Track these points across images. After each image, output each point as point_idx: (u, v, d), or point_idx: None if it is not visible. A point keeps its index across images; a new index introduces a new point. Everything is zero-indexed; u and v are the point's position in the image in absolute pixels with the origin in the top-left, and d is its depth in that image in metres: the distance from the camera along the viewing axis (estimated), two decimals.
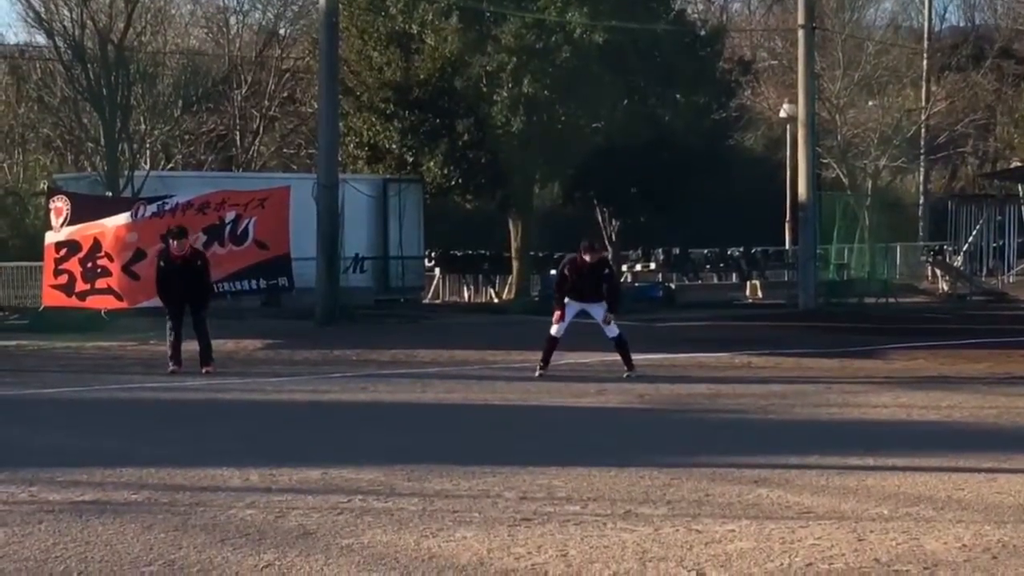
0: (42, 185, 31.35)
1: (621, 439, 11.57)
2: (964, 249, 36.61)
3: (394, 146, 29.26)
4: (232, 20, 45.13)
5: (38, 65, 35.15)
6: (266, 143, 41.92)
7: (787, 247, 38.25)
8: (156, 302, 17.50)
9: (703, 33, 31.83)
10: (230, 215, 20.48)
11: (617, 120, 27.88)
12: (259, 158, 41.18)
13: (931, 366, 17.76)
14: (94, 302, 20.70)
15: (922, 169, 46.82)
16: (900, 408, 13.37)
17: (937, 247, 38.56)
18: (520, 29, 27.30)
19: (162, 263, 17.05)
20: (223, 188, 22.22)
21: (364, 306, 25.91)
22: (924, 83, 44.97)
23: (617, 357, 16.26)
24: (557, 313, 16.15)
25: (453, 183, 29.44)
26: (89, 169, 29.09)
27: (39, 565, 6.78)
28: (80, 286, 20.36)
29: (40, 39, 33.39)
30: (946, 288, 34.48)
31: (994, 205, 38.14)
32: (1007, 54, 48.99)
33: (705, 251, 36.53)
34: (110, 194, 25.25)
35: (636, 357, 16.30)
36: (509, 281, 31.52)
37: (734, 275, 36.13)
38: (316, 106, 28.80)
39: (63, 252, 20.45)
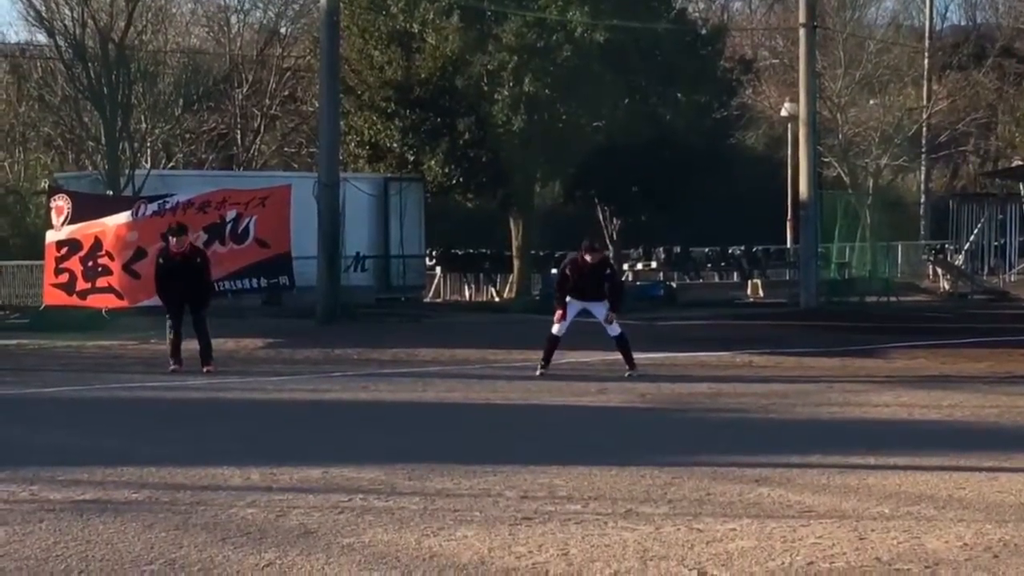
0: (43, 184, 31.33)
1: (622, 438, 11.57)
2: (965, 248, 36.61)
3: (395, 145, 29.26)
4: (233, 19, 45.22)
5: (39, 64, 35.17)
6: (267, 142, 41.93)
7: (788, 246, 38.24)
8: (157, 301, 17.51)
9: (704, 32, 31.85)
10: (231, 214, 20.46)
11: (618, 119, 27.87)
12: (260, 157, 41.20)
13: (932, 365, 17.75)
14: (95, 301, 20.69)
15: (923, 168, 46.83)
16: (901, 407, 13.37)
17: (938, 246, 38.57)
18: (521, 28, 27.30)
19: (161, 260, 17.04)
20: (224, 187, 22.21)
21: (365, 305, 25.90)
22: (925, 82, 44.97)
23: (618, 356, 16.26)
24: (558, 312, 16.17)
25: (454, 182, 29.44)
26: (90, 168, 29.06)
27: (40, 564, 6.77)
28: (81, 285, 20.35)
29: (41, 38, 33.47)
30: (947, 287, 34.48)
31: (995, 204, 38.14)
32: (1008, 53, 48.98)
33: (706, 250, 36.52)
34: (111, 193, 25.25)
35: (637, 356, 16.30)
36: (510, 280, 31.53)
37: (735, 274, 36.13)
38: (317, 105, 28.78)
39: (64, 251, 20.44)
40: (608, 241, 31.24)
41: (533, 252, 31.64)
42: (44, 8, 29.11)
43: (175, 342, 16.64)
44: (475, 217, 35.04)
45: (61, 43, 28.32)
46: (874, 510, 8.05)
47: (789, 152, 39.74)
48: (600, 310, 16.15)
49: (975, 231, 36.68)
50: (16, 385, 15.30)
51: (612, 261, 21.17)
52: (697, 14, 39.44)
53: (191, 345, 16.68)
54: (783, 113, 40.86)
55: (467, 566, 6.72)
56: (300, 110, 41.28)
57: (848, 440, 11.07)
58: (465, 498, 8.41)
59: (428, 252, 31.30)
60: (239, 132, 40.90)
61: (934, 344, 20.20)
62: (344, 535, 7.36)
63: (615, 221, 32.07)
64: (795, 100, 33.51)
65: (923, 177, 47.16)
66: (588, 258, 16.05)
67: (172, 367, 16.44)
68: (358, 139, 29.87)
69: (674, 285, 32.85)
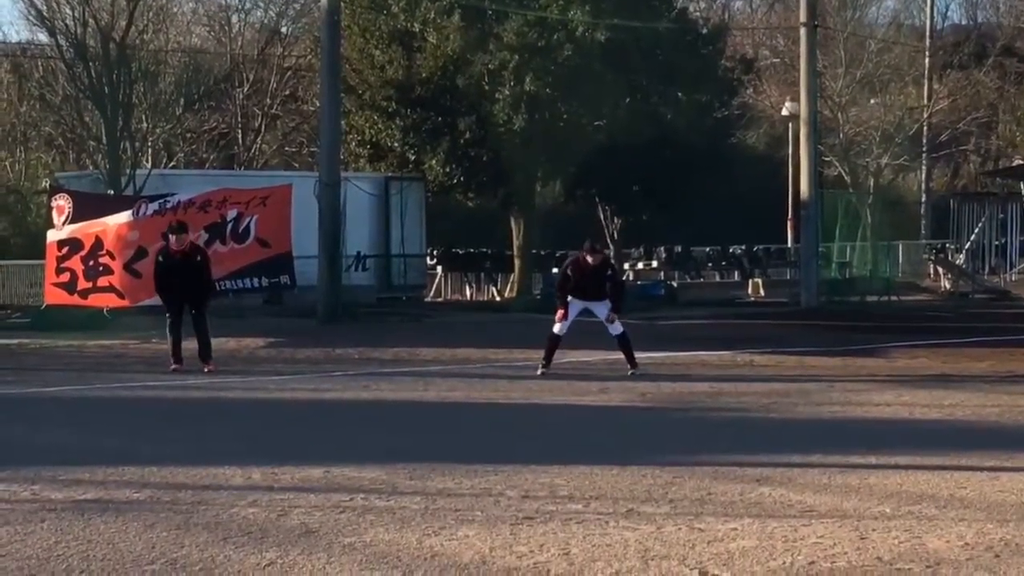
0: (44, 183, 31.34)
1: (623, 438, 11.56)
2: (966, 247, 36.59)
3: (396, 144, 29.25)
4: (234, 18, 45.26)
5: (40, 63, 35.17)
6: (268, 141, 41.95)
7: (789, 245, 38.25)
8: (158, 300, 17.49)
9: (705, 31, 31.84)
10: (232, 213, 20.48)
11: (619, 118, 27.87)
12: (261, 156, 41.22)
13: (933, 364, 17.75)
14: (96, 300, 20.70)
15: (924, 167, 46.84)
16: (902, 406, 13.36)
17: (939, 245, 38.57)
18: (522, 27, 27.30)
19: (161, 259, 17.03)
20: (225, 186, 22.24)
21: (366, 304, 25.91)
22: (926, 81, 44.98)
23: (619, 355, 16.27)
24: (560, 312, 16.19)
25: (455, 181, 29.43)
26: (91, 167, 29.06)
27: (41, 564, 6.77)
28: (82, 284, 20.36)
29: (42, 37, 33.45)
30: (948, 286, 34.47)
31: (996, 203, 38.12)
32: (1009, 52, 48.96)
33: (707, 249, 36.54)
34: (112, 192, 25.26)
35: (638, 355, 16.31)
36: (511, 279, 31.52)
37: (736, 273, 36.15)
38: (318, 104, 28.77)
39: (65, 250, 20.45)
40: (609, 240, 31.24)
41: (534, 251, 31.63)
42: (45, 7, 29.12)
43: (175, 341, 16.63)
44: (476, 216, 35.03)
45: (62, 42, 28.32)
46: (875, 509, 8.05)
47: (790, 151, 39.74)
48: (602, 310, 16.18)
49: (976, 230, 36.65)
50: (17, 384, 15.31)
51: (613, 262, 21.16)
52: (698, 13, 39.42)
53: (191, 344, 16.68)
54: (784, 112, 40.87)
55: (468, 565, 6.72)
56: (301, 109, 41.29)
57: (849, 439, 11.06)
58: (466, 497, 8.41)
59: (429, 251, 31.31)
60: (240, 131, 40.92)
61: (935, 343, 20.19)
62: (345, 534, 7.36)
63: (616, 220, 32.05)
64: (796, 99, 33.51)
65: (924, 176, 47.17)
66: (590, 259, 16.07)
67: (173, 366, 16.44)
68: (359, 138, 29.87)
69: (675, 284, 32.87)
